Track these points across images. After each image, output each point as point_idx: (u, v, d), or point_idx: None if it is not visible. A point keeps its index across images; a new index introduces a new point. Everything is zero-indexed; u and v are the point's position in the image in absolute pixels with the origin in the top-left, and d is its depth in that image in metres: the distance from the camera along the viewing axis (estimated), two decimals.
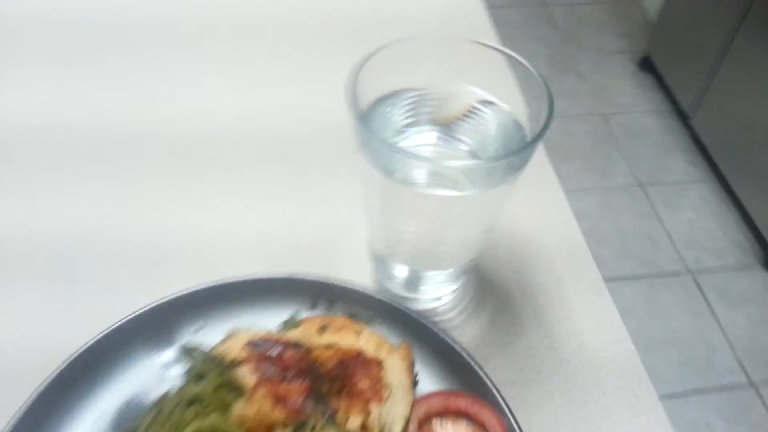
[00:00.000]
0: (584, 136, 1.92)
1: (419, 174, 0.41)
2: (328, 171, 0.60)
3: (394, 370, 0.43)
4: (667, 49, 2.02)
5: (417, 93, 0.44)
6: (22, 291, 0.50)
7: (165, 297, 0.46)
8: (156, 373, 0.43)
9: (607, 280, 0.54)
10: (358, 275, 0.52)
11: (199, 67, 0.69)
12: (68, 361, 0.42)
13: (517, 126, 0.42)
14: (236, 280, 0.47)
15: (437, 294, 0.50)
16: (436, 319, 0.50)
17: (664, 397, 1.46)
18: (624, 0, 2.48)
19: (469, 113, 0.44)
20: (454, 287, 0.50)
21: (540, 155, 0.63)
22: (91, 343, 0.43)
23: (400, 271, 0.49)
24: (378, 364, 0.43)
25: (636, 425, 0.45)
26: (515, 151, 0.37)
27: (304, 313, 0.46)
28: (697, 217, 1.77)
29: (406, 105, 0.44)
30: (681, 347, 1.54)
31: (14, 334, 0.47)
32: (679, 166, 1.88)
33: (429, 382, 0.44)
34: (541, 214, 0.58)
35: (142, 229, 0.54)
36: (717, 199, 1.80)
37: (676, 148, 1.92)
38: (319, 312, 0.46)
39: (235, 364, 0.42)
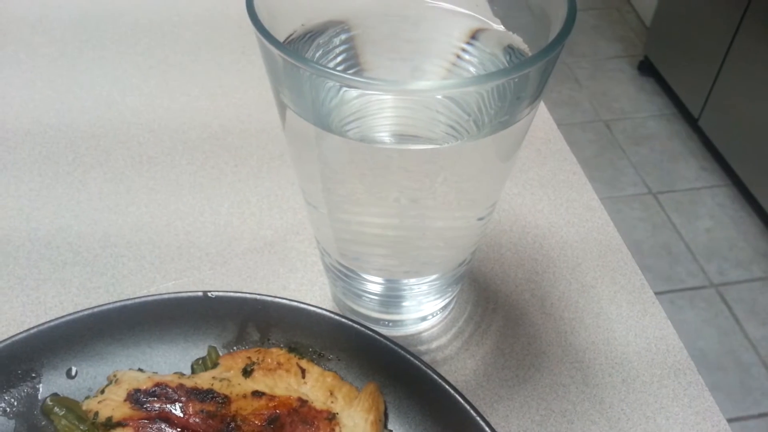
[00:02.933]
0: (588, 145, 1.78)
1: (380, 125, 0.27)
2: (266, 160, 0.46)
3: (354, 427, 0.28)
4: (666, 51, 1.90)
5: (354, 29, 0.30)
6: None
7: (27, 330, 0.31)
8: None
9: None
10: (310, 294, 0.37)
11: (115, 67, 0.56)
12: None
13: (512, 55, 0.29)
14: (127, 303, 0.32)
15: (421, 313, 0.36)
16: (421, 348, 0.35)
17: None
18: (615, 4, 2.37)
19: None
20: (443, 302, 0.36)
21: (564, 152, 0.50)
22: None
23: (368, 286, 0.35)
24: (329, 419, 0.28)
25: None
26: (518, 65, 0.23)
27: (224, 349, 0.32)
28: (715, 226, 1.62)
29: (340, 49, 0.30)
30: (711, 369, 1.38)
31: None
32: (692, 171, 1.74)
33: None
34: (556, 203, 0.44)
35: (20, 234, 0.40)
36: (735, 205, 1.66)
37: (686, 153, 1.78)
38: (245, 345, 0.32)
39: (111, 425, 0.27)
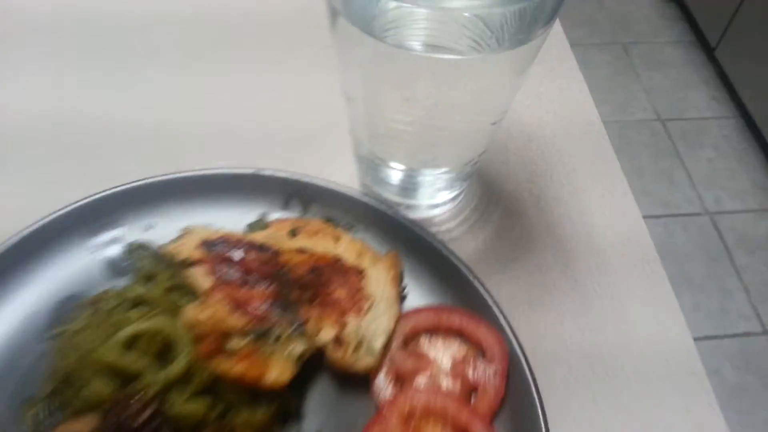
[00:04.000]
0: (603, 66, 1.80)
1: (414, 35, 0.33)
2: (306, 61, 0.51)
3: (377, 280, 0.36)
4: None
5: None
6: None
7: (112, 188, 0.38)
8: (98, 273, 0.36)
9: None
10: (342, 178, 0.44)
11: None
12: None
13: None
14: (194, 173, 0.39)
15: (434, 201, 0.42)
16: (432, 229, 0.42)
17: None
18: None
19: None
20: (453, 194, 0.43)
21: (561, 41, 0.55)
22: (23, 233, 0.36)
23: (391, 174, 0.42)
24: (358, 272, 0.36)
25: (660, 356, 0.38)
26: None
27: (274, 215, 0.39)
28: (718, 156, 1.67)
29: None
30: (694, 291, 1.47)
31: None
32: (702, 101, 1.77)
33: (419, 296, 0.37)
34: (561, 117, 0.50)
35: (96, 117, 0.46)
36: (740, 137, 1.70)
37: (699, 82, 1.80)
38: (291, 214, 0.39)
39: (188, 264, 0.35)
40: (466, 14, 0.32)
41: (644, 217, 0.45)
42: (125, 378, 0.30)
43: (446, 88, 0.34)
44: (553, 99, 0.51)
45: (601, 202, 0.45)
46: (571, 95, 0.52)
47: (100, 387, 0.30)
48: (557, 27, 0.56)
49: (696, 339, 1.54)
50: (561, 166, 0.47)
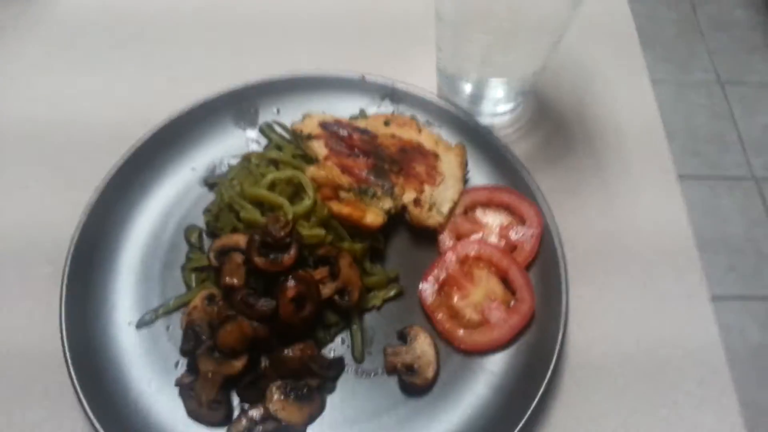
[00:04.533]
0: (668, 24, 1.82)
1: None
2: None
3: (448, 163, 0.47)
4: None
5: None
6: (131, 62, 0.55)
7: (249, 81, 0.50)
8: (241, 144, 0.49)
9: None
10: (425, 86, 0.54)
11: None
12: (164, 123, 0.47)
13: None
14: (312, 73, 0.50)
15: (497, 109, 0.53)
16: (493, 131, 0.53)
17: None
18: None
19: None
20: (513, 106, 0.53)
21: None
22: (184, 110, 0.48)
23: (464, 86, 0.52)
24: (434, 155, 0.47)
25: (660, 239, 0.48)
26: None
27: (372, 109, 0.50)
28: None
29: None
30: (730, 252, 1.52)
31: (116, 98, 0.54)
32: (765, 66, 1.78)
33: (479, 178, 0.48)
34: (607, 56, 0.59)
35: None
36: None
37: (764, 47, 1.81)
38: (385, 110, 0.50)
39: (309, 137, 0.46)
40: None
41: (690, 176, 0.54)
42: (269, 208, 0.42)
43: (517, 9, 0.44)
44: (600, 38, 0.60)
45: (631, 123, 0.54)
46: (617, 35, 0.61)
47: (253, 213, 0.42)
48: None
49: (725, 298, 1.58)
50: (601, 92, 0.56)
